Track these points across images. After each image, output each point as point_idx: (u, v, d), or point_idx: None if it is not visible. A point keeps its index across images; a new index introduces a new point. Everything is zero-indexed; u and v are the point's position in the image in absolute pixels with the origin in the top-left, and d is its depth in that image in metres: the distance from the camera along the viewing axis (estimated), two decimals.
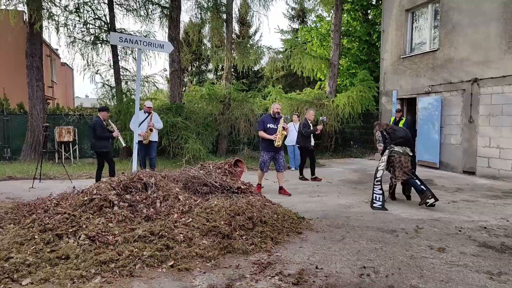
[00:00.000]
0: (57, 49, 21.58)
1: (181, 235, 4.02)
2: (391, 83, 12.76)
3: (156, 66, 59.28)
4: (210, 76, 30.86)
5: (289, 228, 4.71)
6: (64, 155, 11.93)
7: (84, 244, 3.65)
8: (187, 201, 4.79)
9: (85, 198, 4.31)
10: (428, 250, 4.16)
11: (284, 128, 6.85)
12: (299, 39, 18.33)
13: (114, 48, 11.77)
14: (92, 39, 11.47)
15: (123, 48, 12.04)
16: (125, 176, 4.80)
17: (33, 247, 3.54)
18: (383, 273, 3.53)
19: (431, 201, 6.01)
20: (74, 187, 4.85)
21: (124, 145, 8.29)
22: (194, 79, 29.97)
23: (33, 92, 11.09)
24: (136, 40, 6.24)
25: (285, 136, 7.01)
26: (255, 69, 29.89)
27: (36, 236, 3.68)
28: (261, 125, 7.02)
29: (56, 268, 3.29)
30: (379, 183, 6.21)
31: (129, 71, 12.26)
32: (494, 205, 6.38)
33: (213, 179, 5.42)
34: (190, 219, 4.34)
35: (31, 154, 11.04)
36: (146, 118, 8.37)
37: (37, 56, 11.09)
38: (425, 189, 6.10)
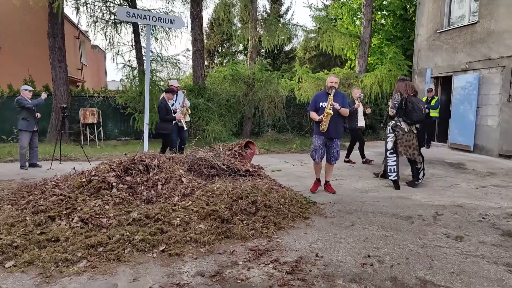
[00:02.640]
0: (87, 31, 21.88)
1: (178, 219, 3.88)
2: (425, 61, 11.92)
3: (181, 46, 58.38)
4: (241, 57, 30.40)
5: (296, 213, 4.46)
6: (89, 137, 12.19)
7: (76, 226, 3.59)
8: (190, 184, 4.65)
9: (83, 180, 4.25)
10: (443, 238, 3.79)
11: (333, 107, 5.31)
12: (328, 15, 17.52)
13: (135, 28, 11.72)
14: (113, 19, 11.42)
15: (145, 27, 11.94)
16: (126, 157, 4.70)
17: (23, 228, 3.51)
18: (389, 262, 3.23)
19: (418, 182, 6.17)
20: (74, 168, 4.81)
21: (186, 128, 7.99)
22: (224, 61, 29.74)
23: (56, 73, 11.26)
24: (145, 15, 6.06)
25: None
26: (286, 49, 29.26)
27: (27, 218, 3.66)
28: (312, 104, 5.67)
29: (43, 250, 3.24)
30: (393, 154, 6.06)
31: (151, 51, 12.17)
32: None
33: (221, 161, 5.23)
34: (190, 202, 4.19)
35: (56, 136, 11.31)
36: (177, 99, 8.06)
37: (58, 36, 11.19)
38: (418, 177, 6.18)
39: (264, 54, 29.17)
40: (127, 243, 3.45)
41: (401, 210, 4.79)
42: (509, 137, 8.98)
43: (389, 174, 6.06)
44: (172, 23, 6.33)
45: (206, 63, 28.51)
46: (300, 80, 13.26)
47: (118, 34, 11.43)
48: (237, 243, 3.68)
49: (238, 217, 4.04)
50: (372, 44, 14.64)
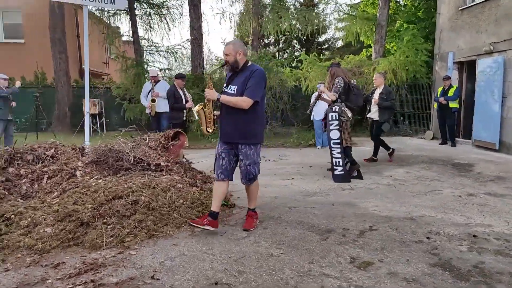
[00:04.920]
0: (118, 27, 22.28)
1: (30, 218, 3.32)
2: (447, 43, 10.31)
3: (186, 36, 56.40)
4: (273, 49, 29.41)
5: (189, 219, 3.70)
6: (92, 127, 12.17)
7: None
8: (80, 178, 4.07)
9: None
10: (343, 264, 2.84)
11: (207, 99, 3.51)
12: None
13: (133, 19, 11.42)
14: (107, 10, 11.24)
15: (142, 17, 11.65)
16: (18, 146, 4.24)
17: None
18: None
19: (354, 174, 5.73)
20: None
21: (197, 118, 7.64)
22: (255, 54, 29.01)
23: (56, 65, 11.36)
24: None
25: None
26: (320, 39, 27.90)
27: None
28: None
29: None
30: (338, 145, 5.57)
31: (147, 41, 11.85)
32: None
33: (133, 154, 4.59)
34: (57, 200, 3.61)
35: (58, 126, 11.44)
36: (152, 88, 7.90)
37: (57, 28, 11.26)
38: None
39: (296, 44, 28.08)
40: None
41: (329, 220, 3.82)
42: None
43: (335, 167, 5.60)
44: (112, 3, 5.81)
45: None
46: (306, 69, 12.20)
47: (116, 25, 11.21)
48: (81, 252, 3.04)
49: (104, 220, 3.38)
50: (392, 28, 13.09)
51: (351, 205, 4.36)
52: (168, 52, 11.80)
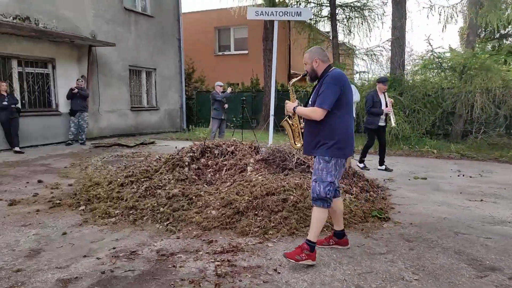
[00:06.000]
0: (328, 32, 23.41)
1: (204, 201, 4.12)
2: None
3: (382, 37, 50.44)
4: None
5: (330, 224, 3.73)
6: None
7: (137, 192, 4.45)
8: (249, 173, 4.70)
9: (170, 157, 5.12)
10: None
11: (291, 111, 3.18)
12: None
13: (333, 24, 11.85)
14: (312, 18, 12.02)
15: (342, 21, 11.89)
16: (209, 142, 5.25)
17: (111, 186, 4.71)
18: None
19: None
20: (176, 147, 5.74)
21: (393, 125, 7.10)
22: (486, 47, 24.91)
23: (265, 72, 13.02)
24: (272, 12, 6.35)
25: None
26: None
27: (119, 179, 4.85)
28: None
29: (105, 203, 4.29)
30: None
31: (344, 44, 11.99)
32: None
33: (297, 156, 4.93)
34: (226, 189, 4.31)
35: (264, 125, 13.14)
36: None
37: (269, 40, 12.87)
38: None
39: None
40: (149, 212, 4.04)
41: (501, 257, 3.06)
42: None
43: None
44: (299, 15, 6.34)
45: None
46: None
47: (318, 30, 11.91)
48: (231, 235, 3.58)
49: (255, 212, 3.84)
50: None
51: None
52: (366, 54, 11.68)
